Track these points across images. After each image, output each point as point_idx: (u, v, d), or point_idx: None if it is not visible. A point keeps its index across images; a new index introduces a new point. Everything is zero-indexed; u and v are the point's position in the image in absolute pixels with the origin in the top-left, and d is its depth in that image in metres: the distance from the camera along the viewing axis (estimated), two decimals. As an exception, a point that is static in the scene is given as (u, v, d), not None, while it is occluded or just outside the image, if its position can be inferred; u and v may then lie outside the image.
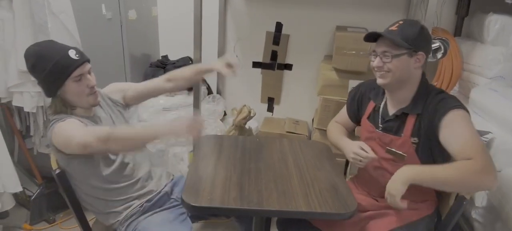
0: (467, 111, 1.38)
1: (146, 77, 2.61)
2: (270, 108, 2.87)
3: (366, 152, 1.47)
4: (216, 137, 2.06)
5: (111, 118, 1.58)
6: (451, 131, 1.35)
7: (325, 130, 2.32)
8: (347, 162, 2.37)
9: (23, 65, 1.96)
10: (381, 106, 1.56)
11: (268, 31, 2.72)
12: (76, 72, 1.37)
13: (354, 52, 2.20)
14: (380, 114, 1.55)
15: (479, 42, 2.18)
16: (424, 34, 1.42)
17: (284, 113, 2.85)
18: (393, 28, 1.43)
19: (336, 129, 1.73)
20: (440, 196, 1.54)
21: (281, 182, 1.48)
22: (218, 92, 2.85)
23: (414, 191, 1.35)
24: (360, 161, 1.47)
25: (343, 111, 1.76)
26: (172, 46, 2.87)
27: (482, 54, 2.10)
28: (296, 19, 2.67)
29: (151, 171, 1.64)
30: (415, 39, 1.39)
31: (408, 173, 1.33)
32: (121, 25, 2.33)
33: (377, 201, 1.58)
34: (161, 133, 1.34)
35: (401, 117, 1.48)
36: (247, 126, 2.42)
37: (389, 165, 1.51)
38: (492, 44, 2.06)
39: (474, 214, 1.70)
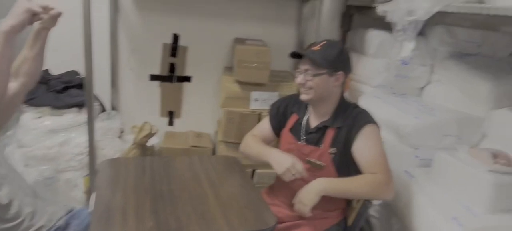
0: (378, 126, 1.53)
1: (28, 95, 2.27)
2: (171, 122, 2.76)
3: (298, 170, 1.47)
4: (118, 160, 1.89)
5: None
6: (364, 144, 1.49)
7: (231, 142, 2.37)
8: (253, 172, 2.41)
9: None
10: (304, 119, 1.63)
11: (165, 43, 2.62)
12: None
13: (255, 64, 2.25)
14: (302, 127, 1.62)
15: (362, 54, 2.43)
16: (343, 56, 1.55)
17: (186, 126, 2.76)
18: (316, 48, 1.52)
19: (256, 141, 1.71)
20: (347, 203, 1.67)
21: (198, 203, 1.42)
22: (113, 108, 2.63)
23: (327, 200, 1.47)
24: (293, 174, 1.46)
25: (264, 124, 1.76)
26: (54, 60, 2.55)
27: (366, 65, 2.34)
28: (193, 31, 2.62)
29: (37, 205, 1.41)
30: (334, 60, 1.50)
31: (322, 185, 1.45)
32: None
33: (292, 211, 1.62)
34: (3, 28, 1.18)
35: (322, 129, 1.58)
36: (148, 143, 2.28)
37: (308, 175, 1.54)
38: (374, 57, 2.31)
39: (372, 211, 1.88)
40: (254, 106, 2.34)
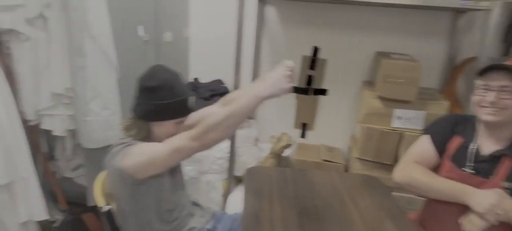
0: None
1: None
2: (303, 134, 2.76)
3: (505, 208, 1.25)
4: (263, 169, 1.95)
5: None
6: None
7: (368, 161, 2.25)
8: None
9: (56, 88, 1.89)
10: (472, 144, 1.43)
11: (305, 55, 2.63)
12: (183, 118, 1.36)
13: (401, 80, 2.09)
14: (469, 153, 1.42)
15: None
16: None
17: (317, 139, 2.74)
18: (508, 62, 1.32)
19: (429, 172, 1.46)
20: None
21: (345, 225, 1.35)
22: (251, 117, 2.75)
23: None
24: (497, 213, 1.26)
25: (424, 145, 1.53)
26: (202, 69, 2.78)
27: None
28: (333, 44, 2.58)
29: (190, 207, 1.54)
30: None
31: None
32: (157, 48, 2.24)
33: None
34: (262, 93, 1.23)
35: (497, 158, 1.37)
36: (283, 154, 2.31)
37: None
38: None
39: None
40: (396, 124, 2.18)
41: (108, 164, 1.33)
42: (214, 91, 2.54)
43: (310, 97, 2.70)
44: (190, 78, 2.76)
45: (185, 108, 1.36)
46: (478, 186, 1.35)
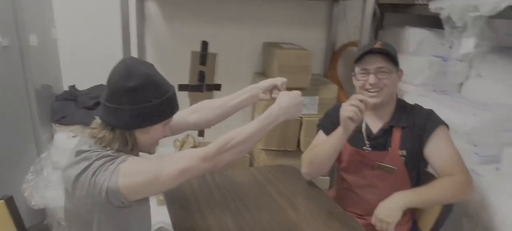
0: (448, 127, 1.49)
1: (56, 113, 2.14)
2: (201, 133, 2.67)
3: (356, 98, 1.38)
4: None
5: None
6: (438, 146, 1.45)
7: (273, 150, 2.29)
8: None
9: None
10: (363, 126, 1.55)
11: (194, 51, 2.53)
12: (172, 117, 1.17)
13: (296, 69, 2.18)
14: (364, 134, 1.54)
15: (399, 53, 2.38)
16: (396, 54, 1.50)
17: (216, 136, 2.66)
18: (377, 45, 1.45)
19: (318, 146, 1.58)
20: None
21: (281, 219, 1.34)
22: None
23: None
24: (361, 101, 1.36)
25: (320, 139, 1.64)
26: (77, 74, 2.42)
27: (405, 64, 2.29)
28: (221, 37, 2.53)
29: None
30: (396, 57, 1.48)
31: (404, 199, 1.37)
32: (21, 53, 1.85)
33: (365, 219, 1.57)
34: (280, 118, 1.20)
35: (388, 131, 1.51)
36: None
37: (379, 181, 1.52)
38: (414, 55, 2.28)
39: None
40: (294, 112, 2.27)
41: (82, 183, 1.05)
42: (98, 98, 2.24)
43: (204, 94, 2.63)
44: (65, 86, 2.38)
45: (174, 105, 1.17)
46: (381, 159, 1.50)
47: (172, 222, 1.31)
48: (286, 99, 1.23)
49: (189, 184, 1.55)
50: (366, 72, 1.46)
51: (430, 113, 1.51)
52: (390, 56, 1.45)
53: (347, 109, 1.37)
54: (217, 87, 2.63)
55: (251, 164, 2.47)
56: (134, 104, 1.07)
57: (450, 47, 2.09)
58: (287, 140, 2.28)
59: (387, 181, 1.51)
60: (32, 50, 1.93)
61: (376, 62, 1.44)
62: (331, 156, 1.49)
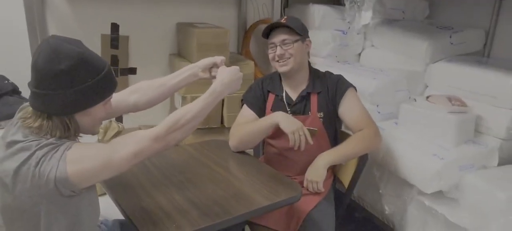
0: (354, 87, 1.71)
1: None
2: (119, 118, 2.57)
3: (305, 132, 1.51)
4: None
5: None
6: (349, 106, 1.66)
7: (198, 129, 2.33)
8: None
9: None
10: (283, 94, 1.71)
11: (104, 34, 2.41)
12: (112, 95, 1.12)
13: (214, 47, 2.24)
14: (285, 102, 1.70)
15: (305, 28, 2.61)
16: (305, 26, 1.70)
17: (136, 121, 2.60)
18: (282, 20, 1.62)
19: (247, 124, 1.68)
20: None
21: (225, 186, 1.42)
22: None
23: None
24: (300, 135, 1.49)
25: (246, 113, 1.74)
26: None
27: (312, 38, 2.51)
28: (133, 19, 2.45)
29: None
30: (302, 28, 1.66)
31: (326, 159, 1.59)
32: None
33: (295, 179, 1.72)
34: (223, 94, 1.28)
35: (305, 97, 1.68)
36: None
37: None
38: (319, 30, 2.51)
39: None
40: (215, 89, 2.33)
41: (24, 175, 0.97)
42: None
43: (118, 79, 2.53)
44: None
45: (113, 81, 1.10)
46: (303, 122, 1.62)
47: (119, 207, 1.30)
48: (227, 75, 1.30)
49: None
50: (274, 45, 1.62)
51: (339, 78, 1.72)
52: (293, 28, 1.60)
53: (291, 129, 1.50)
54: (132, 71, 2.55)
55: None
56: (69, 87, 1.00)
57: (348, 22, 2.35)
58: (211, 118, 2.35)
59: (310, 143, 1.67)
60: None
61: (280, 35, 1.61)
62: (259, 137, 1.65)
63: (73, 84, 1.00)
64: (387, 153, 1.89)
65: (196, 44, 2.21)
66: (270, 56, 1.66)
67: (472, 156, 1.74)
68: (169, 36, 2.60)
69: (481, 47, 2.32)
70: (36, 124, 1.02)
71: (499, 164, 1.79)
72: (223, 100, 2.35)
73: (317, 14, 2.49)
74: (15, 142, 1.02)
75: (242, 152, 1.73)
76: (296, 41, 1.61)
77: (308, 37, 1.71)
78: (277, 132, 1.67)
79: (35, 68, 0.99)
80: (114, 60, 2.47)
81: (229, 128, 2.35)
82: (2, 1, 2.11)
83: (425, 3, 2.59)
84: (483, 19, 2.31)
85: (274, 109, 1.70)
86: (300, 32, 1.62)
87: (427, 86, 2.22)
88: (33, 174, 0.97)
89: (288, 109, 1.69)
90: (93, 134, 1.16)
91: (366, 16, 1.97)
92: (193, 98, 2.26)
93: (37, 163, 0.98)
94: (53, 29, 2.26)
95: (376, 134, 1.65)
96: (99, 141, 2.05)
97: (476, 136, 1.88)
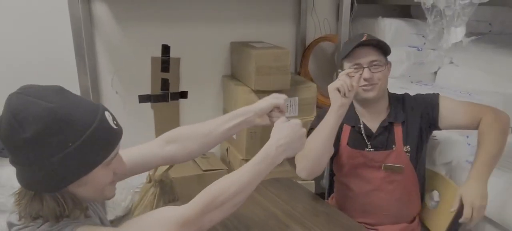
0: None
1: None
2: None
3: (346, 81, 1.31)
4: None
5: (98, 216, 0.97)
6: (450, 111, 1.41)
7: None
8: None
9: None
10: (361, 126, 1.46)
11: (154, 57, 2.25)
12: (114, 152, 0.83)
13: (274, 69, 2.00)
14: (363, 135, 1.45)
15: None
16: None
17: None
18: (365, 38, 1.39)
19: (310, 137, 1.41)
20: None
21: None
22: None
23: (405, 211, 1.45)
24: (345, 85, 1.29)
25: None
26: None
27: (383, 56, 2.24)
28: (184, 40, 2.28)
29: None
30: (388, 48, 1.44)
31: (480, 178, 1.28)
32: None
33: (377, 229, 1.46)
34: (279, 160, 0.98)
35: (388, 127, 1.44)
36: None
37: (386, 183, 1.43)
38: (391, 46, 2.21)
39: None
40: (275, 115, 2.10)
41: None
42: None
43: (169, 104, 2.36)
44: None
45: (110, 137, 0.83)
46: (386, 158, 1.42)
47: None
48: (285, 133, 1.00)
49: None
50: (359, 66, 1.38)
51: (422, 96, 1.49)
52: (382, 48, 1.40)
53: (334, 82, 1.32)
54: (184, 95, 2.37)
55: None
56: (45, 159, 0.75)
57: (430, 39, 2.04)
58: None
59: (395, 182, 1.43)
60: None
61: (368, 56, 1.38)
62: (327, 140, 1.35)
63: (49, 154, 0.75)
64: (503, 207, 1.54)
65: (254, 66, 1.99)
66: (353, 78, 1.38)
67: None
68: (223, 57, 2.40)
69: None
70: (23, 203, 0.81)
71: None
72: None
73: (389, 29, 2.20)
74: (11, 225, 0.83)
75: (311, 195, 1.49)
76: (385, 64, 1.42)
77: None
78: (354, 170, 1.45)
79: (1, 140, 0.78)
80: (165, 84, 2.30)
81: (289, 159, 2.13)
82: (50, 28, 2.00)
83: (518, 14, 2.23)
84: None
85: (351, 143, 1.46)
86: (388, 54, 1.43)
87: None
88: None
89: (368, 143, 1.44)
90: (106, 199, 0.91)
91: (458, 33, 1.66)
92: (251, 127, 2.04)
93: None
94: (101, 51, 2.13)
95: (500, 113, 1.38)
96: (149, 176, 1.86)
97: None
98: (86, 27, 2.01)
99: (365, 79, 1.37)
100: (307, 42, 2.51)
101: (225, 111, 2.38)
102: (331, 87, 1.32)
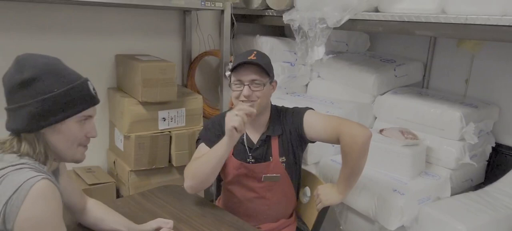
0: (311, 108, 1.61)
1: None
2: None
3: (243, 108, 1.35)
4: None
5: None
6: (312, 127, 1.53)
7: (143, 170, 2.13)
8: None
9: None
10: (244, 137, 1.56)
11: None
12: (88, 112, 1.04)
13: (161, 82, 2.08)
14: (246, 146, 1.56)
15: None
16: (271, 64, 1.55)
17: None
18: (252, 57, 1.46)
19: (201, 158, 1.49)
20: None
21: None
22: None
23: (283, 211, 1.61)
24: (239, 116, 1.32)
25: (203, 150, 1.53)
26: None
27: (261, 70, 2.47)
28: (65, 50, 2.19)
29: None
30: (270, 68, 1.52)
31: (339, 194, 1.52)
32: None
33: (259, 228, 1.61)
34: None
35: (266, 141, 1.56)
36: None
37: (266, 191, 1.58)
38: (268, 61, 2.46)
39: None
40: (162, 126, 2.16)
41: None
42: None
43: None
44: None
45: (88, 97, 1.04)
46: (266, 170, 1.54)
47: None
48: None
49: None
50: (241, 83, 1.47)
51: (294, 110, 1.61)
52: (264, 69, 1.46)
53: (232, 119, 1.32)
54: (64, 108, 2.27)
55: (118, 193, 2.24)
56: (32, 97, 0.95)
57: (299, 56, 2.34)
58: (158, 157, 2.16)
59: (274, 189, 1.58)
60: None
61: (250, 74, 1.45)
62: (216, 167, 1.42)
63: (37, 93, 0.95)
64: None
65: (141, 79, 2.03)
66: (234, 94, 1.49)
67: (428, 188, 1.79)
68: (107, 69, 2.37)
69: (420, 79, 2.45)
70: (6, 143, 0.98)
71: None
72: (170, 137, 2.18)
73: (265, 47, 2.45)
74: None
75: (202, 200, 1.60)
76: (266, 83, 1.48)
77: (274, 77, 1.57)
78: (238, 179, 1.56)
79: (3, 83, 0.99)
80: (43, 97, 2.18)
81: (177, 167, 2.21)
82: None
83: (366, 36, 2.69)
84: (420, 53, 2.45)
85: (235, 153, 1.56)
86: (270, 73, 1.50)
87: (376, 118, 2.28)
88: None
89: (250, 154, 1.56)
90: (74, 160, 1.06)
91: (319, 51, 1.96)
92: (137, 137, 2.07)
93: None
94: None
95: (356, 126, 1.46)
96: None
97: (427, 167, 1.95)
98: None
99: (244, 96, 1.45)
100: (193, 56, 2.63)
101: (111, 123, 2.35)
102: (229, 125, 1.32)
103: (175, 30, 2.58)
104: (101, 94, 2.31)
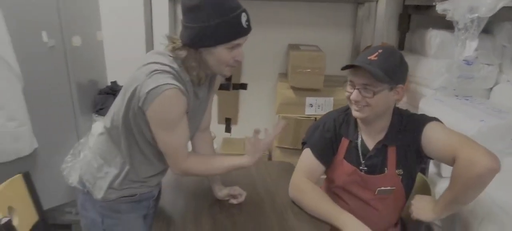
0: (438, 120, 1.38)
1: (96, 105, 2.46)
2: (228, 129, 2.84)
3: None
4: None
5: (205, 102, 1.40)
6: (430, 143, 1.33)
7: (287, 148, 2.38)
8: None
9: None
10: (359, 141, 1.44)
11: (221, 52, 2.69)
12: (238, 41, 1.17)
13: (309, 70, 2.24)
14: (359, 151, 1.44)
15: (422, 56, 2.33)
16: (403, 65, 1.34)
17: (242, 132, 2.83)
18: (373, 57, 1.29)
19: (315, 190, 1.42)
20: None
21: (253, 210, 1.44)
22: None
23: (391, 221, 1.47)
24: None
25: (310, 160, 1.47)
26: (120, 71, 2.73)
27: (426, 67, 2.23)
28: (248, 38, 2.65)
29: None
30: (395, 71, 1.29)
31: (434, 212, 1.33)
32: (65, 53, 2.17)
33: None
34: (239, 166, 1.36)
35: (382, 149, 1.41)
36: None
37: (379, 203, 1.47)
38: (434, 58, 2.20)
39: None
40: (309, 112, 2.33)
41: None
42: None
43: (230, 93, 2.80)
44: (108, 82, 2.70)
45: (238, 29, 1.15)
46: (379, 182, 1.42)
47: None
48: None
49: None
50: (352, 84, 1.34)
51: (417, 118, 1.41)
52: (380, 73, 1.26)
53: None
54: (244, 86, 2.77)
55: (269, 159, 2.59)
56: (194, 23, 1.13)
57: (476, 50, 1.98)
58: (301, 139, 2.35)
59: (385, 202, 1.46)
60: (75, 50, 2.25)
61: (362, 77, 1.29)
62: (316, 215, 1.38)
63: (197, 20, 1.12)
64: (484, 219, 1.52)
65: (291, 65, 2.26)
66: (346, 94, 1.37)
67: None
68: (280, 56, 2.71)
69: None
70: (174, 45, 1.19)
71: None
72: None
73: (433, 41, 2.19)
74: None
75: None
76: (379, 91, 1.29)
77: (405, 81, 1.34)
78: (350, 186, 1.47)
79: (182, 2, 1.17)
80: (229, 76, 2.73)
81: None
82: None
83: None
84: None
85: (347, 157, 1.45)
86: (389, 78, 1.27)
87: None
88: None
89: (363, 161, 1.43)
90: (221, 74, 1.28)
91: (470, 47, 1.63)
92: (284, 118, 2.32)
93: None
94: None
95: (481, 153, 1.19)
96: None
97: None
98: (171, 23, 2.57)
99: (353, 100, 1.33)
100: (361, 49, 2.63)
101: (276, 103, 2.69)
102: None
103: (347, 23, 2.65)
104: (273, 78, 2.72)
